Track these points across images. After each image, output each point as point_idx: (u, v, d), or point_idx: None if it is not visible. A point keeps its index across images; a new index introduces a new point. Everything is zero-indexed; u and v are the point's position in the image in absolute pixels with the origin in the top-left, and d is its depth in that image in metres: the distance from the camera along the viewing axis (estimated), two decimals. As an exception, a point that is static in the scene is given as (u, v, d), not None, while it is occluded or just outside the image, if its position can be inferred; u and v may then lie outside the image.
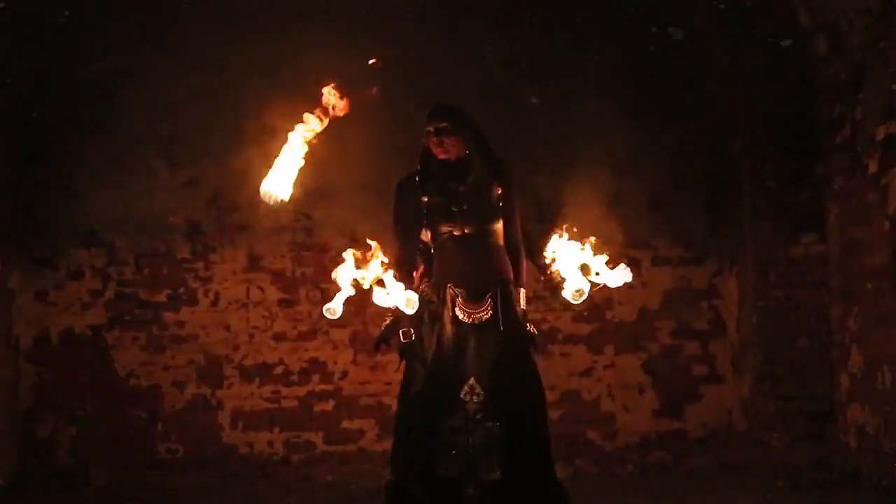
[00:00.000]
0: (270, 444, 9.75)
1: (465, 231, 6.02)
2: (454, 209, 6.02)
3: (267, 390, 9.78)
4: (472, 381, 5.87)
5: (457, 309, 5.96)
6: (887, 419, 7.70)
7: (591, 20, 9.65)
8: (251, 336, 9.83)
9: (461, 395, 5.85)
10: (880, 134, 7.68)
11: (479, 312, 5.96)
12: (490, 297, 5.96)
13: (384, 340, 6.16)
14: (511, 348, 5.97)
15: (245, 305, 9.83)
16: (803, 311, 9.13)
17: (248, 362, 9.81)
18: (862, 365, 8.12)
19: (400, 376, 6.16)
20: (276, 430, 9.79)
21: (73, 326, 9.73)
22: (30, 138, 9.51)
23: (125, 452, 9.57)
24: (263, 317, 9.81)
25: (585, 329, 9.90)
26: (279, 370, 9.76)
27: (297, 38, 9.03)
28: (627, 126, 9.39)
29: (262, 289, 9.83)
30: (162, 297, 9.83)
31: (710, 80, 9.58)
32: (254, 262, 9.85)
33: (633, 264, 9.75)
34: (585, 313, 9.73)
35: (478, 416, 5.84)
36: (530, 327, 6.16)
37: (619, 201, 9.19)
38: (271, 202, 5.80)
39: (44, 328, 9.69)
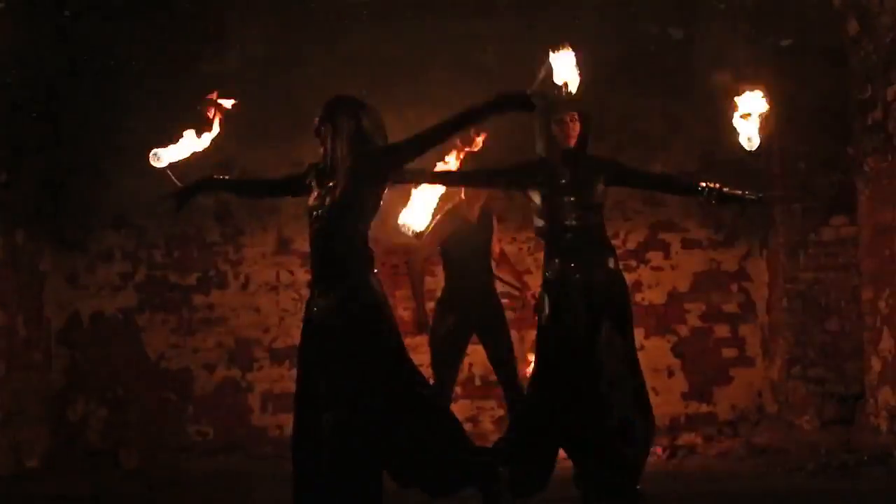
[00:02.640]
0: (300, 426, 9.78)
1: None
2: None
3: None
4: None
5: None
6: (919, 402, 7.68)
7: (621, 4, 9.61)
8: (281, 319, 9.86)
9: None
10: (912, 115, 7.64)
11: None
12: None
13: None
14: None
15: (275, 288, 9.86)
16: (833, 293, 9.09)
17: (277, 345, 9.84)
18: (893, 347, 8.06)
19: None
20: (306, 412, 9.80)
21: (103, 309, 9.80)
22: (60, 122, 9.55)
23: (155, 435, 9.64)
24: (293, 299, 9.81)
25: (615, 312, 9.86)
26: (308, 353, 9.78)
27: (316, 28, 9.06)
28: (661, 108, 9.42)
29: (291, 271, 9.85)
30: (192, 280, 9.88)
31: (739, 61, 9.52)
32: (283, 245, 9.87)
33: (663, 247, 9.78)
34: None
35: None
36: None
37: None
38: (410, 233, 5.93)
39: (74, 311, 9.76)
